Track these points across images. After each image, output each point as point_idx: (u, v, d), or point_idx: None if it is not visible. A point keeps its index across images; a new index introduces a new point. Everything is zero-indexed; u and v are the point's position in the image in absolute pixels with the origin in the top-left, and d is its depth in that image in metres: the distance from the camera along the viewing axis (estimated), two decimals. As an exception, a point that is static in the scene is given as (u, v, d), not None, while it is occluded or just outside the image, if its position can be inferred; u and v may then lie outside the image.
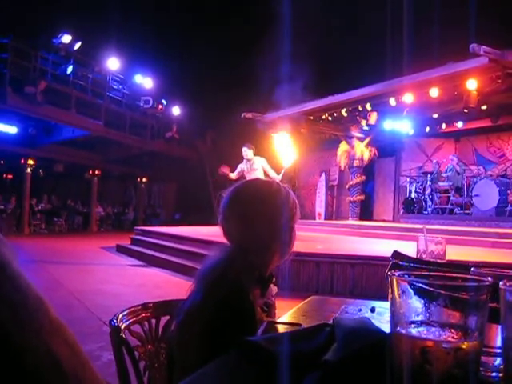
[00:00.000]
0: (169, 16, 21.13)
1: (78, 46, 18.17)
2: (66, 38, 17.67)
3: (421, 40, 10.64)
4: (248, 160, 10.11)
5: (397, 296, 0.57)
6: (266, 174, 9.98)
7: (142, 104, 21.38)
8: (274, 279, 1.50)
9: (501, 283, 0.52)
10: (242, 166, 10.23)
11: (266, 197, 1.48)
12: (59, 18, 17.98)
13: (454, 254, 6.63)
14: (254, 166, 10.09)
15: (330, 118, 13.98)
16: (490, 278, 0.57)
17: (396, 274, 0.58)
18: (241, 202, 1.50)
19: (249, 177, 10.01)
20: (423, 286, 0.56)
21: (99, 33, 17.68)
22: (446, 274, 0.63)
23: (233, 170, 10.24)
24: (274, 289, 1.51)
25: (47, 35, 17.74)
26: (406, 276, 0.58)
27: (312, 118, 13.96)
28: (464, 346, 0.56)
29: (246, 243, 1.43)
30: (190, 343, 1.29)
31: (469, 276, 0.60)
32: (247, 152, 10.11)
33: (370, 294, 6.51)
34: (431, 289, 0.56)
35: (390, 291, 0.59)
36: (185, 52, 21.52)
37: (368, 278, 6.82)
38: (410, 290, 0.57)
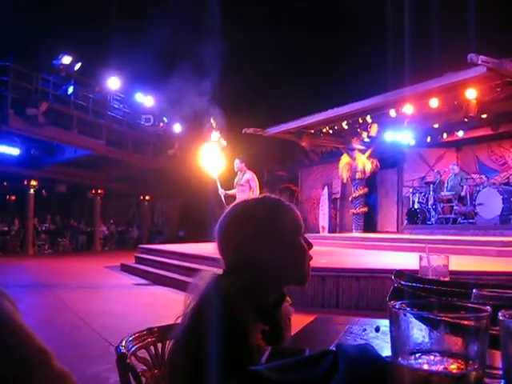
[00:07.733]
0: (166, 35, 21.27)
1: (78, 66, 18.31)
2: (67, 59, 17.81)
3: (419, 51, 10.69)
4: (240, 172, 10.08)
5: (397, 327, 0.57)
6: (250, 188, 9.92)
7: (143, 122, 21.47)
8: (290, 301, 1.44)
9: (500, 314, 0.52)
10: (236, 179, 10.21)
11: (259, 214, 1.40)
12: (59, 39, 18.11)
13: (459, 264, 6.60)
14: (243, 179, 10.03)
15: (330, 131, 14.02)
16: (489, 308, 0.57)
17: (396, 305, 0.58)
18: (234, 222, 1.43)
19: (238, 189, 9.97)
20: (424, 315, 0.56)
21: (99, 53, 17.77)
22: (448, 302, 0.64)
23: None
24: (290, 310, 1.44)
25: (47, 57, 17.88)
26: (406, 308, 0.58)
27: (313, 131, 13.98)
28: (466, 376, 0.56)
29: (239, 263, 1.35)
30: (179, 369, 1.27)
31: (470, 305, 0.60)
32: (238, 165, 10.07)
33: (376, 306, 6.49)
34: (432, 316, 0.56)
35: (390, 321, 0.59)
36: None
37: (373, 290, 6.79)
38: (411, 320, 0.57)
